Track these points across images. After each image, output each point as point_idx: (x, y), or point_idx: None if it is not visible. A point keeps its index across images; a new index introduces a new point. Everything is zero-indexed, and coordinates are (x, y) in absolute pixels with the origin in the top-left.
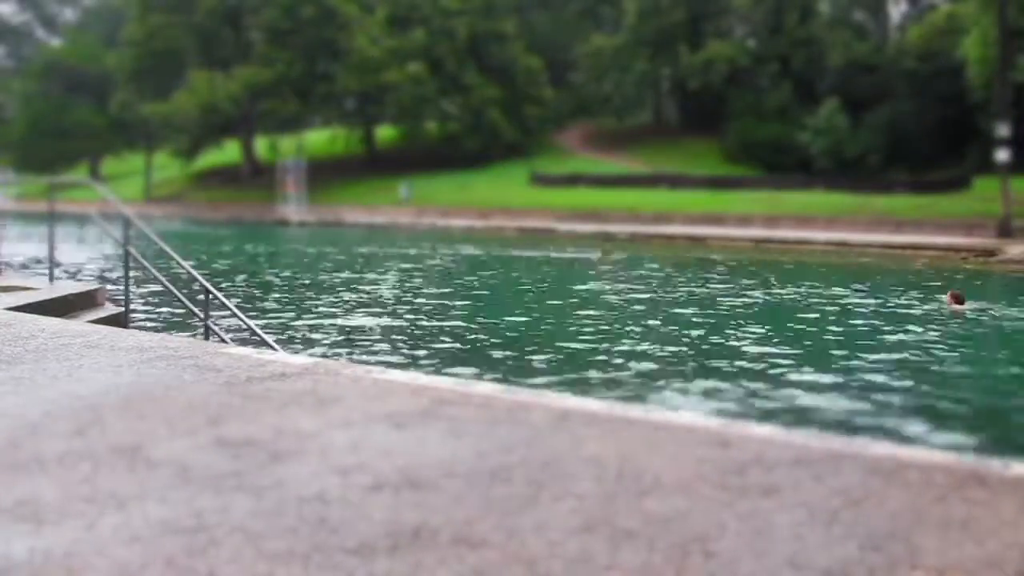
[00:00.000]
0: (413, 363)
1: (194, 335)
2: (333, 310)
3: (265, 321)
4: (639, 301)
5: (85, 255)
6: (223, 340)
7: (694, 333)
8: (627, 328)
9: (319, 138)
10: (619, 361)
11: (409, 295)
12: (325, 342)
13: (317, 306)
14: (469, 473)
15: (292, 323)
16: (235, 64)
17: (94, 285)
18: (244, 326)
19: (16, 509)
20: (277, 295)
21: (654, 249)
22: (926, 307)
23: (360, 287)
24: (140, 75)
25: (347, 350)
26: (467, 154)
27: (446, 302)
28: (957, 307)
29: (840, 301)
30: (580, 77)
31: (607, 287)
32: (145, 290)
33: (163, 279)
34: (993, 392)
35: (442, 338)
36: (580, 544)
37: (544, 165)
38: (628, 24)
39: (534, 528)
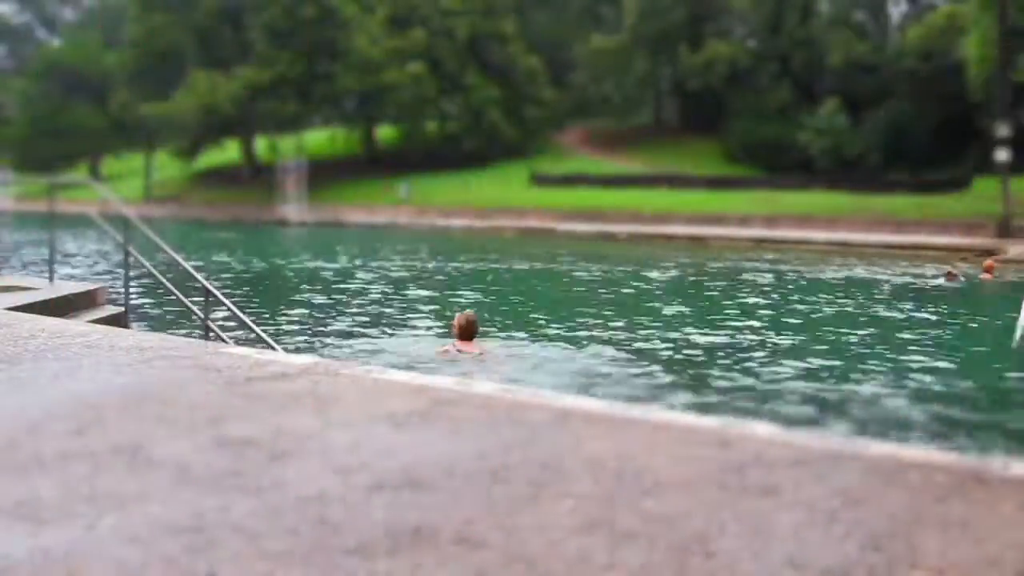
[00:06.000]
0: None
1: (194, 335)
2: (334, 309)
3: (265, 321)
4: None
5: (85, 255)
6: (223, 340)
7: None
8: None
9: (319, 138)
10: None
11: None
12: (325, 342)
13: (317, 305)
14: (469, 473)
15: (292, 323)
16: (235, 64)
17: (94, 285)
18: (244, 326)
19: (16, 509)
20: (277, 294)
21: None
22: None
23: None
24: (140, 75)
25: (348, 350)
26: (467, 154)
27: None
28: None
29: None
30: (580, 77)
31: None
32: (145, 290)
33: (163, 279)
34: None
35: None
36: (580, 544)
37: (544, 165)
38: (628, 24)
39: (534, 528)
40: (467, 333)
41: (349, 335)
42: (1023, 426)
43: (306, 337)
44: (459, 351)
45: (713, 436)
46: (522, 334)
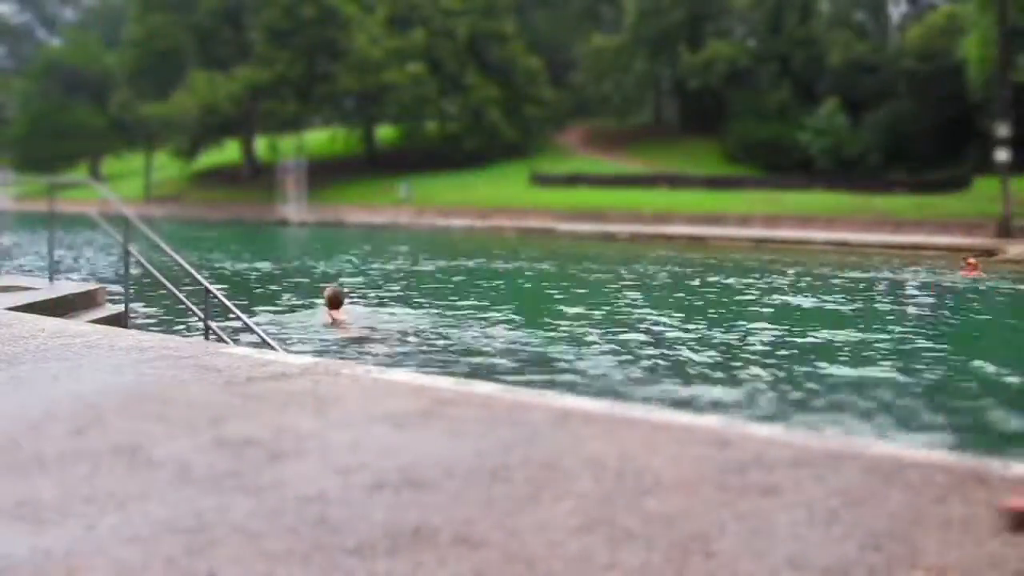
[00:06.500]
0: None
1: (194, 335)
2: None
3: (265, 321)
4: None
5: (85, 255)
6: (223, 340)
7: None
8: None
9: (319, 138)
10: None
11: None
12: (325, 342)
13: (318, 305)
14: (469, 473)
15: (293, 322)
16: (235, 64)
17: (94, 285)
18: (244, 326)
19: (16, 509)
20: (277, 294)
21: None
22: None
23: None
24: (140, 75)
25: (349, 350)
26: (467, 154)
27: None
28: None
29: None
30: (580, 77)
31: None
32: (145, 290)
33: (163, 279)
34: None
35: None
36: (580, 544)
37: (544, 165)
38: (628, 24)
39: (534, 528)
40: (334, 303)
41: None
42: (1023, 426)
43: (306, 336)
44: (332, 317)
45: (713, 436)
46: (397, 308)
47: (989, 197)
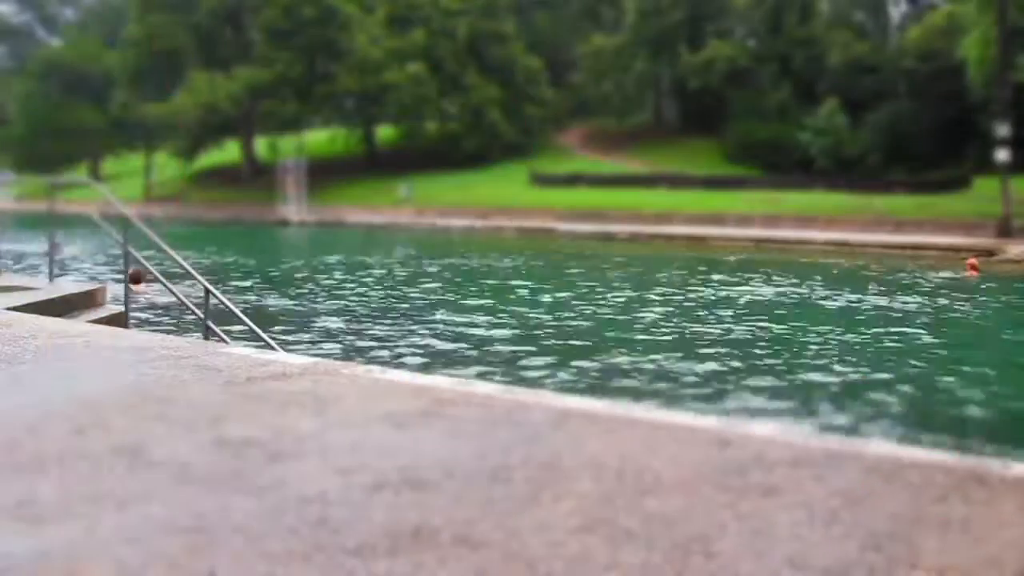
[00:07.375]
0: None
1: (194, 335)
2: (334, 309)
3: (265, 321)
4: None
5: (85, 255)
6: (223, 340)
7: None
8: None
9: (319, 138)
10: None
11: None
12: (325, 342)
13: (317, 305)
14: (469, 473)
15: (292, 323)
16: (235, 64)
17: (94, 285)
18: (244, 326)
19: (16, 509)
20: (277, 294)
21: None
22: None
23: None
24: (140, 75)
25: (350, 350)
26: (467, 154)
27: None
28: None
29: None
30: (580, 77)
31: None
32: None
33: (163, 279)
34: None
35: None
36: (580, 544)
37: (544, 165)
38: (628, 24)
39: (534, 528)
40: (135, 280)
41: (357, 334)
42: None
43: (306, 336)
44: (133, 289)
45: (713, 436)
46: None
47: (989, 197)
